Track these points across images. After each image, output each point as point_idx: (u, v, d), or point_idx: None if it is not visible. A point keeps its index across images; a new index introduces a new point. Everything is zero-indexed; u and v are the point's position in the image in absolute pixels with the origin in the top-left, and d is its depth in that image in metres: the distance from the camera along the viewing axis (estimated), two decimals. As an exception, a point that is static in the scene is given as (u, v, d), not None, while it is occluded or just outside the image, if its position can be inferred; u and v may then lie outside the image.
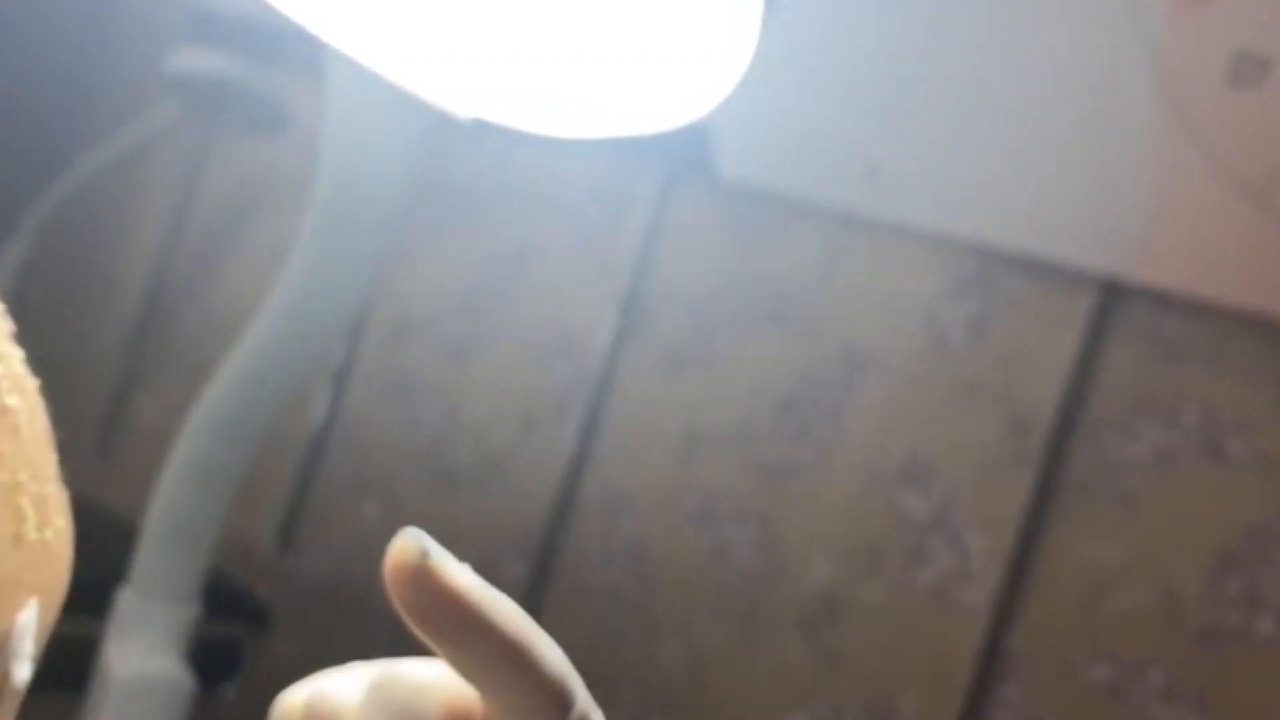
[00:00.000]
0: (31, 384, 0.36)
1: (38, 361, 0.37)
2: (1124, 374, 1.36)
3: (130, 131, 1.95)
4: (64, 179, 1.95)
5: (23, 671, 0.34)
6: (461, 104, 0.67)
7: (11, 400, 0.34)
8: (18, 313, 0.37)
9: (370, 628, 1.61)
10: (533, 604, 1.64)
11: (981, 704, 1.37)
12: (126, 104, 2.12)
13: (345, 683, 0.36)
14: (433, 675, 0.34)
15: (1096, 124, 1.37)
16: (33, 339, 0.37)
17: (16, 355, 0.35)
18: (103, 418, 2.11)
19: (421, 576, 0.31)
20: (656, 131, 0.66)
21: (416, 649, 0.34)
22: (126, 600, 1.03)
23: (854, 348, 1.50)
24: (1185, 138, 1.31)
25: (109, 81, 2.20)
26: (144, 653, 1.01)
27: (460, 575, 0.32)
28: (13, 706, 0.34)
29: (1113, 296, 1.37)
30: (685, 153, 1.61)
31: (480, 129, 0.72)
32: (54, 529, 0.35)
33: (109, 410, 2.11)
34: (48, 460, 0.35)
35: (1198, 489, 1.31)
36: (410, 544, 0.31)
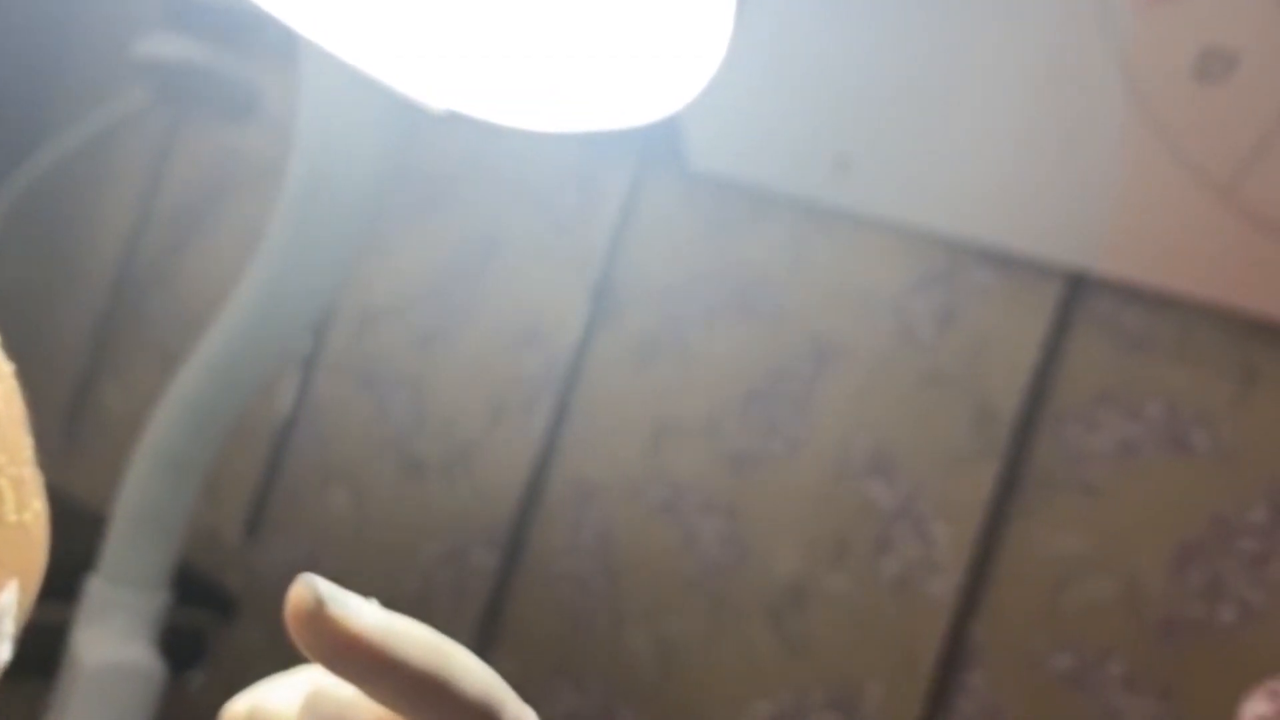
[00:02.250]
0: (8, 368, 0.36)
1: (3, 346, 0.37)
2: (1088, 366, 1.37)
3: (98, 116, 1.94)
4: (31, 163, 1.94)
5: (2, 652, 0.34)
6: (436, 96, 0.67)
7: (-11, 384, 0.34)
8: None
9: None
10: (501, 593, 1.64)
11: (946, 692, 1.38)
12: (94, 88, 2.11)
13: (285, 693, 0.36)
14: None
15: (1064, 118, 1.38)
16: (-1, 323, 0.37)
17: (-7, 340, 0.36)
18: (69, 403, 2.10)
19: (319, 623, 0.31)
20: (631, 126, 0.67)
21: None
22: (96, 588, 1.03)
23: (822, 339, 1.51)
24: (1152, 132, 1.32)
25: (77, 65, 2.18)
26: (114, 640, 1.01)
27: (359, 616, 0.31)
28: (-8, 686, 0.34)
29: (1079, 289, 1.38)
30: (656, 144, 1.62)
31: (453, 119, 0.72)
32: (32, 511, 0.35)
33: (75, 396, 2.10)
34: (24, 443, 0.36)
35: (1160, 480, 1.32)
36: (305, 591, 0.31)
